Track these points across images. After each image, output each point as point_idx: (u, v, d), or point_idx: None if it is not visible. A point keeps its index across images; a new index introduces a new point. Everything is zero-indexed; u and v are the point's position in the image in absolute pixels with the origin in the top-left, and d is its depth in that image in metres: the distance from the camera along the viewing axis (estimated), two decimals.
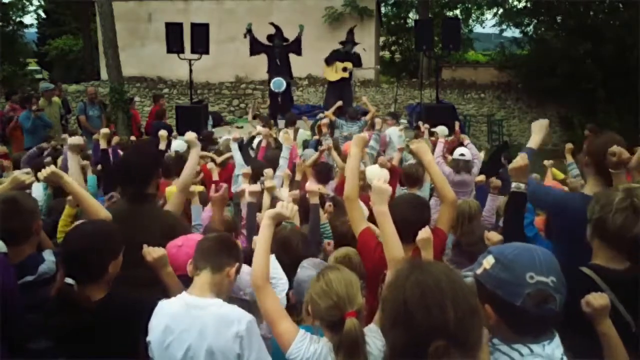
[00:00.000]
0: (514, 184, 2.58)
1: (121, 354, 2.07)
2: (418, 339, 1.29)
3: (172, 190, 4.82)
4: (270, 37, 10.69)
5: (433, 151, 6.44)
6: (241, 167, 4.98)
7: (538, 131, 3.11)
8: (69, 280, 2.15)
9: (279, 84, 10.53)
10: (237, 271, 2.25)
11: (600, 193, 2.24)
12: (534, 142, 3.10)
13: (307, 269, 2.44)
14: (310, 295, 1.97)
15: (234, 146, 5.41)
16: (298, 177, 4.73)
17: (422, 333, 1.29)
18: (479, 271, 1.56)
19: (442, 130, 7.51)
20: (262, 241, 2.21)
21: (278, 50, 10.59)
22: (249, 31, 10.44)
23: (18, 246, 2.41)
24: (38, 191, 4.12)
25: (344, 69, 10.68)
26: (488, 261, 1.55)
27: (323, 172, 5.30)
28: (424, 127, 7.35)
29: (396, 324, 1.34)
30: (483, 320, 1.40)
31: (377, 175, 4.62)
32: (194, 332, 2.05)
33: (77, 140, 3.40)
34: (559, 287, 1.49)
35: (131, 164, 2.99)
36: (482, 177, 4.79)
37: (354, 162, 2.81)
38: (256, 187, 3.56)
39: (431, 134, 7.09)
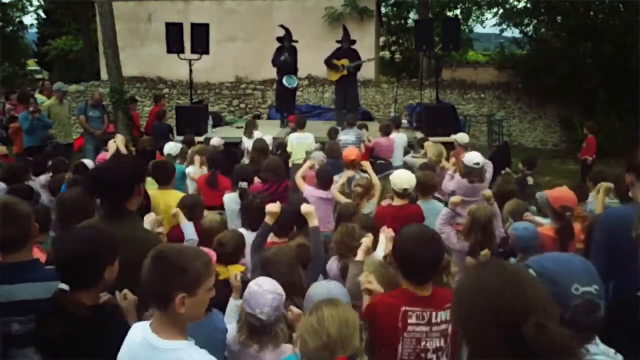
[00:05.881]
0: None
1: None
2: (512, 327, 1.26)
3: (160, 198, 4.76)
4: (280, 39, 10.81)
5: (447, 158, 6.38)
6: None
7: None
8: (62, 286, 2.10)
9: (291, 80, 10.64)
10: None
11: None
12: None
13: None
14: (300, 332, 1.78)
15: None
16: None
17: (514, 320, 1.25)
18: None
19: (461, 137, 7.38)
20: None
21: (287, 50, 10.67)
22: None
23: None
24: None
25: (342, 66, 10.68)
26: None
27: (324, 178, 5.28)
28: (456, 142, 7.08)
29: (486, 324, 1.29)
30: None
31: (405, 180, 4.45)
32: None
33: None
34: (602, 294, 1.51)
35: (108, 177, 2.71)
36: (489, 193, 4.54)
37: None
38: (275, 206, 3.35)
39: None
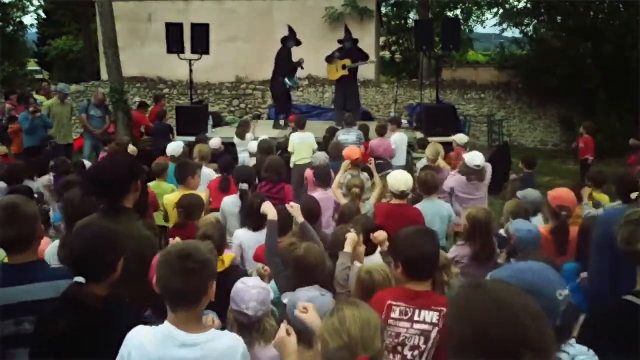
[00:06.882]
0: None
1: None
2: (500, 356, 1.22)
3: (170, 198, 4.80)
4: (284, 39, 10.83)
5: (444, 157, 6.42)
6: None
7: None
8: (78, 279, 2.16)
9: (295, 81, 10.70)
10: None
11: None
12: None
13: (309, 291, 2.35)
14: (321, 332, 1.76)
15: None
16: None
17: (504, 350, 1.22)
18: None
19: (460, 138, 7.41)
20: None
21: (290, 51, 10.72)
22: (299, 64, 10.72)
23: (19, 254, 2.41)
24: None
25: (343, 67, 10.72)
26: None
27: (322, 176, 5.27)
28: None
29: (469, 346, 1.25)
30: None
31: (402, 181, 4.47)
32: None
33: None
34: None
35: (105, 176, 2.78)
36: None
37: None
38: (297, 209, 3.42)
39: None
